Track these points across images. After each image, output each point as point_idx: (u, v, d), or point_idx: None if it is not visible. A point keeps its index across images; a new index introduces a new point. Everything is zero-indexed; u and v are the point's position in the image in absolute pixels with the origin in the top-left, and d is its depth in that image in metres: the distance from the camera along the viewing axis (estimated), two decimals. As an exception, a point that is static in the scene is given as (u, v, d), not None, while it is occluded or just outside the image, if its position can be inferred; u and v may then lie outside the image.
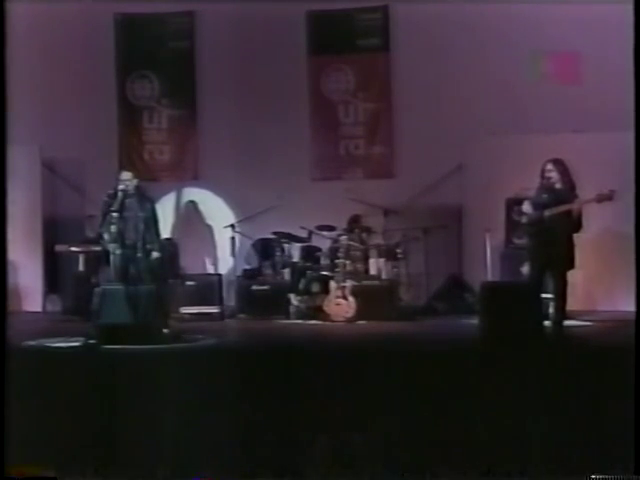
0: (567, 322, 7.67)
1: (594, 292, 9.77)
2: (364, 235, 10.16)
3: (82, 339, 7.30)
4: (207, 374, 5.69)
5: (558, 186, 7.42)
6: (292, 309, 9.75)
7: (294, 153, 11.12)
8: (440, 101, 10.68)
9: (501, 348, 6.55)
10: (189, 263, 10.76)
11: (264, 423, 5.30)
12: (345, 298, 9.34)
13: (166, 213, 10.61)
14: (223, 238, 11.00)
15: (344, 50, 11.31)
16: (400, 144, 11.12)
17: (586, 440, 5.03)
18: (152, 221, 8.35)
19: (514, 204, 9.06)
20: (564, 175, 7.43)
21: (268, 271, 10.45)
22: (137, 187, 8.38)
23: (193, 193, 11.56)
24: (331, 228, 10.30)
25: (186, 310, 9.72)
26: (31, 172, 10.76)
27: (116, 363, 6.23)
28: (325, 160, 11.39)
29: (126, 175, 8.37)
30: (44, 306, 10.91)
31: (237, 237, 10.66)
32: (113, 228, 8.05)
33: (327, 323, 9.29)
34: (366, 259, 9.99)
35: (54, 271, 10.97)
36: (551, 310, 7.44)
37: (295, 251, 10.55)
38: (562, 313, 7.41)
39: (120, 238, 8.10)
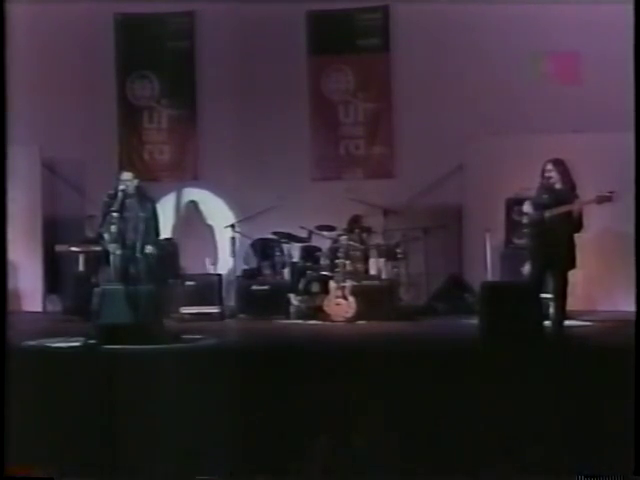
0: (567, 322, 7.67)
1: (594, 292, 9.76)
2: (364, 235, 10.16)
3: (82, 339, 7.30)
4: (207, 374, 5.69)
5: (558, 186, 7.42)
6: (292, 309, 9.75)
7: (294, 153, 11.12)
8: (440, 101, 10.67)
9: (501, 348, 6.54)
10: (189, 263, 10.76)
11: (264, 423, 5.30)
12: (345, 298, 9.34)
13: (166, 213, 10.61)
14: (223, 238, 11.01)
15: (344, 50, 11.31)
16: (400, 144, 11.12)
17: (586, 440, 5.02)
18: (152, 221, 8.36)
19: (514, 204, 9.07)
20: (564, 175, 7.43)
21: (268, 271, 10.45)
22: (137, 187, 8.39)
23: (193, 193, 11.56)
24: (331, 228, 10.30)
25: (186, 310, 9.72)
26: (31, 172, 10.75)
27: (116, 363, 6.22)
28: (325, 160, 11.39)
29: (126, 175, 8.37)
30: (44, 306, 10.91)
31: (237, 237, 10.66)
32: (113, 228, 8.05)
33: (327, 323, 9.29)
34: (366, 259, 9.98)
35: (54, 271, 10.97)
36: (551, 310, 7.44)
37: (295, 251, 10.55)
38: (562, 313, 7.40)
39: (120, 238, 8.11)
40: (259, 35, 11.08)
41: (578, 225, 7.41)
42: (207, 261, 11.16)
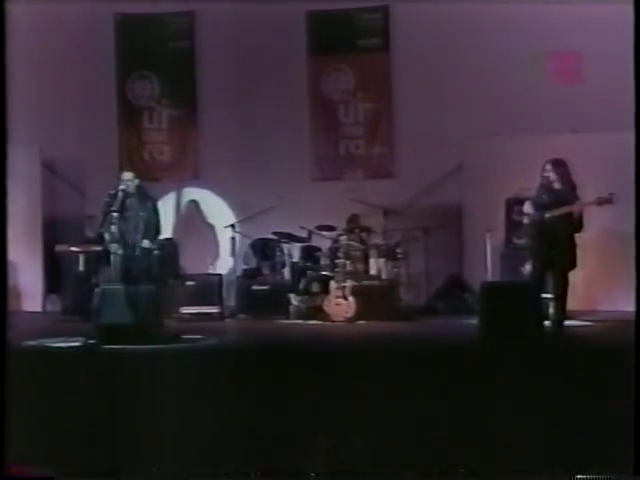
0: (567, 322, 7.67)
1: (594, 292, 9.76)
2: (364, 235, 10.17)
3: (82, 339, 7.29)
4: (207, 374, 5.68)
5: (557, 186, 7.42)
6: (292, 309, 9.74)
7: (294, 153, 11.12)
8: (440, 101, 10.67)
9: (501, 348, 6.54)
10: (189, 263, 10.76)
11: (264, 423, 5.30)
12: (345, 298, 9.34)
13: (166, 213, 10.59)
14: (223, 238, 11.01)
15: (344, 50, 11.32)
16: (400, 144, 11.12)
17: (586, 440, 5.02)
18: (153, 221, 8.37)
19: (514, 204, 9.07)
20: (564, 175, 7.43)
21: (268, 271, 10.46)
22: (138, 187, 8.39)
23: (193, 193, 11.57)
24: (331, 228, 10.30)
25: (186, 310, 9.72)
26: (31, 172, 10.75)
27: (116, 363, 6.22)
28: (325, 160, 11.39)
29: (127, 175, 8.37)
30: (44, 306, 10.91)
31: (237, 237, 10.66)
32: (114, 228, 8.05)
33: (327, 323, 9.29)
34: (366, 259, 9.98)
35: (54, 271, 10.97)
36: (551, 310, 7.44)
37: (295, 251, 10.55)
38: (562, 313, 7.41)
39: (121, 238, 8.11)
40: (259, 35, 11.08)
41: (578, 225, 7.41)
42: (207, 261, 11.17)
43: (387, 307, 9.44)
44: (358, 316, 9.26)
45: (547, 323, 7.32)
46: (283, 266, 10.46)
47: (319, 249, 10.34)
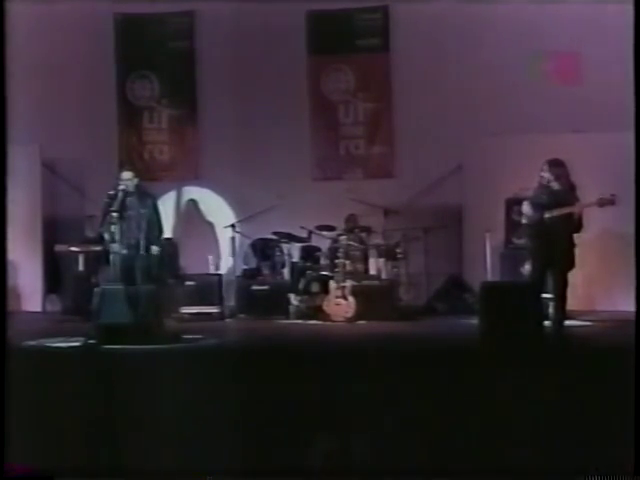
0: (567, 322, 7.67)
1: (594, 292, 9.77)
2: (364, 235, 10.17)
3: (82, 339, 7.30)
4: (207, 374, 5.69)
5: (556, 187, 7.41)
6: (292, 309, 9.75)
7: (294, 153, 11.12)
8: (440, 101, 10.67)
9: (501, 348, 6.54)
10: (189, 263, 10.76)
11: (264, 423, 5.30)
12: (345, 298, 9.34)
13: (166, 213, 10.58)
14: (223, 238, 11.01)
15: (344, 50, 11.31)
16: (400, 144, 11.12)
17: (586, 440, 5.02)
18: (154, 218, 8.37)
19: (514, 204, 9.07)
20: (562, 176, 7.42)
21: (268, 271, 10.46)
22: (137, 186, 8.38)
23: (193, 193, 11.57)
24: (331, 228, 10.30)
25: (186, 310, 9.72)
26: (31, 172, 10.76)
27: (116, 363, 6.22)
28: (325, 160, 11.39)
29: (126, 175, 8.37)
30: (44, 306, 10.91)
31: (237, 237, 10.66)
32: (113, 228, 8.05)
33: (327, 323, 9.29)
34: (366, 259, 9.99)
35: (54, 271, 10.97)
36: (551, 310, 7.44)
37: (295, 251, 10.55)
38: (562, 313, 7.41)
39: (121, 238, 8.10)
40: (259, 35, 11.09)
41: (578, 226, 7.41)
42: (209, 261, 11.16)
43: (387, 307, 9.44)
44: (358, 316, 9.26)
45: (547, 323, 7.31)
46: (283, 266, 10.46)
47: (319, 249, 10.34)
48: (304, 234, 10.43)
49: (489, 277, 9.38)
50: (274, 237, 10.45)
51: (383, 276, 9.96)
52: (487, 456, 4.99)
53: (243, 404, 5.39)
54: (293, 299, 9.77)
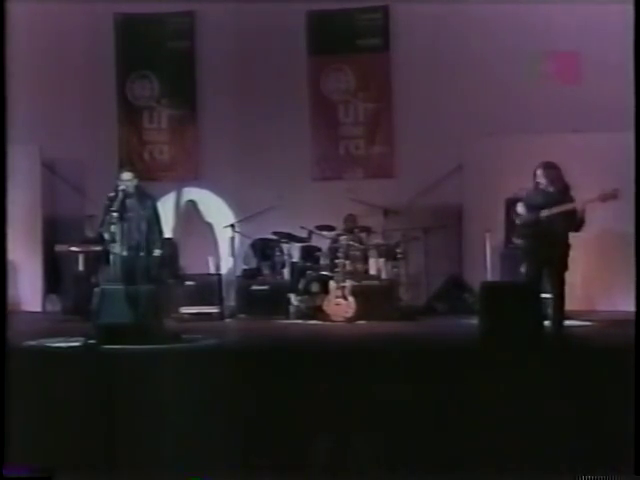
0: (567, 322, 7.67)
1: (594, 292, 9.77)
2: (363, 235, 10.17)
3: (82, 339, 7.29)
4: (207, 374, 5.68)
5: (550, 189, 7.44)
6: (292, 309, 9.75)
7: (294, 153, 11.12)
8: (440, 101, 10.67)
9: (501, 348, 6.54)
10: (189, 263, 10.76)
11: (264, 423, 5.30)
12: (345, 298, 9.34)
13: (166, 213, 10.59)
14: (223, 238, 11.01)
15: (344, 50, 11.32)
16: (400, 144, 11.12)
17: (586, 440, 5.02)
18: (154, 219, 8.37)
19: (514, 204, 9.05)
20: (556, 179, 7.44)
21: (268, 271, 10.46)
22: (137, 187, 8.38)
23: (193, 193, 11.57)
24: (331, 228, 10.30)
25: (186, 310, 9.72)
26: (31, 172, 10.76)
27: (116, 363, 6.22)
28: (325, 160, 11.39)
29: (126, 175, 8.36)
30: (44, 306, 10.91)
31: (237, 237, 10.66)
32: (113, 228, 8.05)
33: (327, 323, 9.29)
34: (366, 259, 9.99)
35: (54, 271, 10.97)
36: (550, 310, 7.44)
37: (295, 251, 10.55)
38: (561, 313, 7.41)
39: (122, 238, 8.10)
40: (259, 35, 11.08)
41: (579, 223, 7.42)
42: (209, 261, 11.17)
43: (387, 307, 9.44)
44: (358, 316, 9.26)
45: (547, 323, 7.31)
46: (283, 266, 10.46)
47: (319, 249, 10.34)
48: (304, 234, 10.43)
49: (489, 277, 9.38)
50: (274, 237, 10.45)
51: (383, 276, 9.96)
52: (487, 456, 4.99)
53: (243, 404, 5.39)
54: (293, 299, 9.78)
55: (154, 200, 8.59)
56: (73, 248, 10.28)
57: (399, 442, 5.14)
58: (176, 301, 9.70)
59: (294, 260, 10.46)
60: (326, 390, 5.47)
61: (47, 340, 7.58)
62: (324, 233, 10.36)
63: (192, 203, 11.52)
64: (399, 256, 10.10)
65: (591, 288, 9.72)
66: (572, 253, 7.39)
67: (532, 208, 7.43)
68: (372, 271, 10.00)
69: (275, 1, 10.63)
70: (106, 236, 8.20)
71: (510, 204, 9.46)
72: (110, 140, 11.53)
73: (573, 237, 7.51)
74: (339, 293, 9.37)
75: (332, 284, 9.44)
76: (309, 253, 10.39)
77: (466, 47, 10.63)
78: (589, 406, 5.22)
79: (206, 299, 9.87)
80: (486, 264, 9.51)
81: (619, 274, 9.27)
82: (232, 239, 10.61)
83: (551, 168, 7.48)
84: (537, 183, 7.48)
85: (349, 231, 10.10)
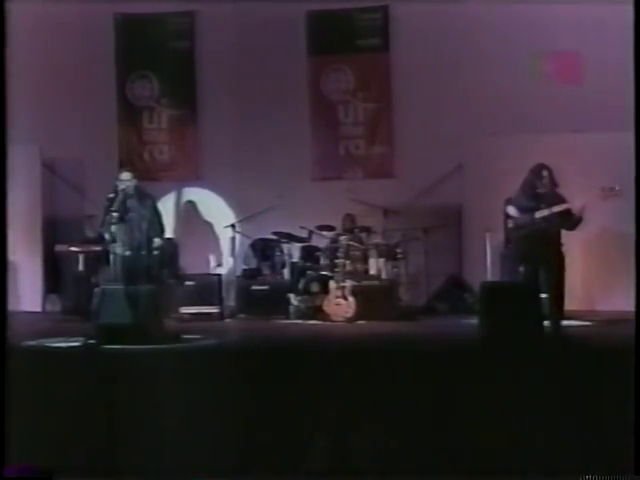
0: (567, 322, 7.67)
1: (594, 292, 9.77)
2: (363, 235, 10.17)
3: (82, 339, 7.29)
4: (207, 374, 5.68)
5: (543, 190, 7.48)
6: (292, 309, 9.75)
7: (294, 153, 11.12)
8: (440, 101, 10.68)
9: (501, 348, 6.54)
10: (189, 263, 10.76)
11: (264, 423, 5.30)
12: (345, 298, 9.34)
13: (166, 213, 10.57)
14: (223, 238, 11.01)
15: (344, 50, 11.32)
16: (400, 144, 11.12)
17: (586, 440, 5.02)
18: (154, 218, 8.38)
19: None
20: (549, 180, 7.49)
21: (268, 271, 10.46)
22: (137, 187, 8.38)
23: (193, 193, 11.57)
24: (331, 228, 10.31)
25: (186, 310, 9.72)
26: (31, 172, 10.77)
27: (116, 363, 6.22)
28: (325, 160, 11.39)
29: (126, 175, 8.36)
30: (44, 306, 10.91)
31: (237, 237, 10.66)
32: (113, 228, 8.05)
33: (327, 323, 9.29)
34: (366, 259, 9.99)
35: (54, 271, 10.97)
36: (549, 310, 7.44)
37: (295, 251, 10.55)
38: (559, 313, 7.42)
39: (122, 238, 8.10)
40: (259, 35, 11.09)
41: (576, 222, 7.45)
42: (210, 261, 11.17)
43: (387, 307, 9.44)
44: (358, 316, 9.26)
45: (547, 323, 7.31)
46: (283, 266, 10.46)
47: (319, 249, 10.34)
48: (304, 234, 10.43)
49: (489, 277, 9.38)
50: (274, 237, 10.45)
51: (383, 276, 9.95)
52: (487, 456, 4.99)
53: (243, 404, 5.39)
54: (293, 299, 9.78)
55: (154, 199, 8.59)
56: (73, 248, 10.28)
57: (399, 442, 5.14)
58: (176, 301, 9.70)
59: (294, 260, 10.46)
60: (326, 390, 5.47)
61: (47, 340, 7.58)
62: (324, 233, 10.36)
63: (192, 203, 11.52)
64: (399, 256, 10.10)
65: (591, 288, 9.72)
66: (572, 253, 7.41)
67: (525, 210, 7.48)
68: (372, 271, 10.00)
69: (275, 1, 10.63)
70: (106, 236, 8.20)
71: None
72: (110, 140, 11.53)
73: (573, 237, 7.52)
74: (339, 293, 9.37)
75: (332, 284, 9.44)
76: (309, 253, 10.39)
77: (466, 47, 10.63)
78: (589, 406, 5.22)
79: (206, 299, 9.86)
80: (486, 264, 9.51)
81: (619, 274, 9.27)
82: (232, 239, 10.61)
83: (544, 169, 7.52)
84: (530, 185, 7.53)
85: (348, 231, 10.10)
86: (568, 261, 7.68)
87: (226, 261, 11.00)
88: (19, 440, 4.69)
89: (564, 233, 7.70)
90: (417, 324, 9.27)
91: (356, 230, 10.17)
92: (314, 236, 10.45)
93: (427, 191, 10.83)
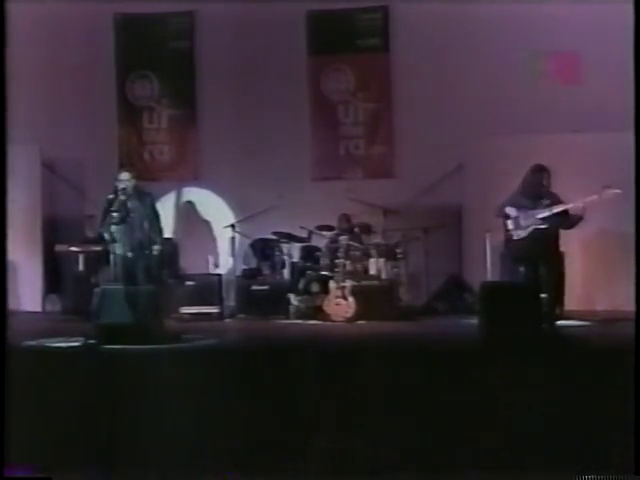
0: (567, 322, 7.67)
1: (594, 292, 9.77)
2: (363, 235, 10.17)
3: (82, 339, 7.29)
4: (207, 374, 5.69)
5: (540, 191, 7.51)
6: (292, 309, 9.75)
7: (294, 153, 11.12)
8: (440, 101, 10.67)
9: (500, 348, 6.55)
10: (189, 263, 10.76)
11: (264, 423, 5.30)
12: (345, 298, 9.34)
13: (166, 213, 10.59)
14: (223, 238, 11.01)
15: (344, 50, 11.31)
16: (400, 144, 11.12)
17: (586, 440, 5.02)
18: (153, 216, 8.37)
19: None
20: (547, 181, 7.52)
21: (268, 271, 10.46)
22: (136, 187, 8.38)
23: (193, 193, 11.57)
24: (331, 228, 10.31)
25: (186, 310, 9.72)
26: (31, 172, 10.77)
27: (116, 363, 6.22)
28: (325, 160, 11.39)
29: (125, 175, 8.36)
30: (44, 306, 10.91)
31: (237, 237, 10.66)
32: (113, 228, 8.05)
33: (327, 323, 9.29)
34: (366, 259, 9.99)
35: (54, 271, 10.97)
36: (548, 310, 7.45)
37: (295, 251, 10.55)
38: (560, 313, 7.44)
39: (122, 238, 8.10)
40: (259, 35, 11.09)
41: (574, 221, 7.47)
42: (210, 261, 11.17)
43: (387, 307, 9.44)
44: (358, 316, 9.26)
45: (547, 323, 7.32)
46: (283, 266, 10.46)
47: (319, 249, 10.34)
48: (304, 234, 10.43)
49: (489, 277, 9.38)
50: (274, 237, 10.45)
51: (383, 276, 9.95)
52: (487, 456, 4.99)
53: (243, 404, 5.39)
54: (293, 299, 9.77)
55: (152, 197, 8.59)
56: (73, 248, 10.28)
57: (399, 442, 5.14)
58: (176, 301, 9.70)
59: (294, 260, 10.46)
60: (326, 390, 5.47)
61: (47, 340, 7.57)
62: (324, 233, 10.36)
63: (192, 203, 11.52)
64: (399, 256, 10.10)
65: (591, 288, 9.72)
66: (572, 253, 7.42)
67: (524, 210, 7.50)
68: (372, 271, 10.00)
69: (275, 1, 10.64)
70: (106, 236, 8.19)
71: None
72: (110, 140, 11.53)
73: (573, 237, 7.53)
74: (339, 293, 9.37)
75: (332, 284, 9.43)
76: (309, 253, 10.39)
77: (466, 47, 10.63)
78: (589, 406, 5.22)
79: (206, 299, 9.86)
80: (486, 264, 9.51)
81: (619, 274, 9.27)
82: (232, 239, 10.60)
83: (542, 171, 7.55)
84: (528, 185, 7.55)
85: (345, 231, 10.10)
86: (568, 261, 7.71)
87: (226, 261, 10.99)
88: (19, 440, 4.69)
89: (563, 233, 7.72)
90: (417, 324, 9.27)
91: (356, 230, 10.16)
92: (314, 236, 10.45)
93: (427, 191, 10.82)
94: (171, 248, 10.32)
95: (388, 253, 10.04)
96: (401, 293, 9.99)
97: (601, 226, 9.23)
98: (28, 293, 10.77)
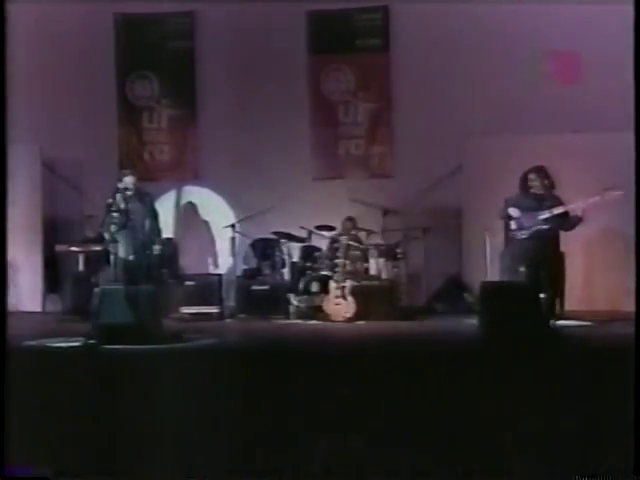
0: (567, 322, 7.67)
1: (594, 292, 9.77)
2: (363, 235, 10.17)
3: (82, 339, 7.29)
4: (206, 374, 5.69)
5: (540, 192, 7.52)
6: (292, 309, 9.75)
7: (294, 153, 11.12)
8: (440, 101, 10.68)
9: (501, 348, 6.55)
10: (189, 263, 10.76)
11: (263, 424, 5.30)
12: (345, 298, 9.34)
13: (166, 213, 10.60)
14: (223, 238, 11.01)
15: (344, 50, 11.32)
16: (400, 144, 11.12)
17: (586, 440, 5.02)
18: (153, 215, 8.39)
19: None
20: (548, 182, 7.53)
21: (268, 271, 10.46)
22: (136, 187, 8.40)
23: (193, 193, 11.57)
24: (331, 228, 10.31)
25: (186, 310, 9.73)
26: (31, 172, 10.76)
27: (116, 363, 6.22)
28: (325, 160, 11.39)
29: (130, 179, 8.39)
30: (44, 306, 10.91)
31: (237, 237, 10.66)
32: (113, 228, 8.06)
33: (327, 323, 9.29)
34: (366, 259, 9.99)
35: (54, 271, 10.97)
36: (549, 310, 7.46)
37: (295, 251, 10.55)
38: (560, 313, 7.44)
39: (123, 238, 8.10)
40: (259, 35, 11.09)
41: (575, 222, 7.48)
42: (209, 261, 11.17)
43: (387, 307, 9.45)
44: (358, 316, 9.27)
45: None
46: (283, 266, 10.46)
47: (319, 249, 10.34)
48: (304, 234, 10.43)
49: (489, 277, 9.38)
50: (274, 237, 10.45)
51: (383, 276, 9.96)
52: (487, 456, 4.99)
53: (243, 404, 5.39)
54: (293, 299, 9.78)
55: (151, 197, 8.61)
56: (73, 248, 10.28)
57: (399, 442, 5.14)
58: (176, 301, 9.70)
59: (294, 260, 10.46)
60: (326, 390, 5.47)
61: (47, 340, 7.57)
62: (324, 233, 10.36)
63: (192, 203, 11.52)
64: (399, 256, 10.10)
65: (591, 288, 9.72)
66: (572, 253, 7.43)
67: (526, 211, 7.51)
68: (372, 271, 10.01)
69: (275, 1, 10.64)
70: (106, 236, 8.20)
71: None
72: (110, 140, 11.53)
73: (573, 237, 7.53)
74: (339, 293, 9.37)
75: (332, 284, 9.44)
76: (309, 253, 10.39)
77: (466, 47, 10.63)
78: (589, 406, 5.23)
79: (206, 299, 9.87)
80: (486, 264, 9.51)
81: (619, 274, 9.27)
82: (232, 239, 10.60)
83: (542, 171, 7.56)
84: (529, 186, 7.57)
85: (348, 232, 10.10)
86: (568, 261, 7.71)
87: (226, 261, 10.99)
88: (19, 440, 4.69)
89: (564, 233, 7.72)
90: (417, 324, 9.27)
91: (355, 230, 10.16)
92: (314, 236, 10.45)
93: (427, 191, 10.83)
94: (171, 248, 10.33)
95: (388, 253, 10.04)
96: (401, 293, 9.99)
97: (601, 226, 9.23)
98: (28, 293, 10.78)
